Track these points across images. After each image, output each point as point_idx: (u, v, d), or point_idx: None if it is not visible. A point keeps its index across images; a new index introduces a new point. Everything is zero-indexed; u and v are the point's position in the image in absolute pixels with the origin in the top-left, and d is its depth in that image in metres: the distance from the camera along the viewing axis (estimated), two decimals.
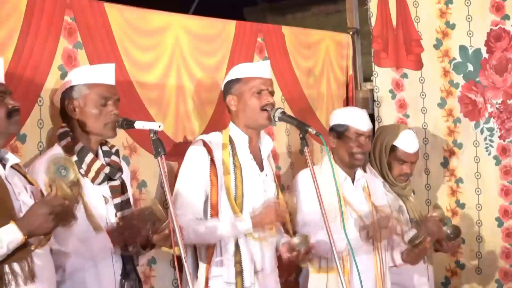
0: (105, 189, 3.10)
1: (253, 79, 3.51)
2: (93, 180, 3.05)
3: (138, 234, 2.98)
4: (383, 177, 4.25)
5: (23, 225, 2.49)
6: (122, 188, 3.15)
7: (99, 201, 3.06)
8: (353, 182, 3.93)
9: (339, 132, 3.91)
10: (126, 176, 3.24)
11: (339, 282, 3.68)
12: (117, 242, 2.99)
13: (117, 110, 3.09)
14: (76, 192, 2.66)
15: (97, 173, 3.04)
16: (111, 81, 3.13)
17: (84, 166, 3.03)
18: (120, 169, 3.15)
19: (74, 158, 3.02)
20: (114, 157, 3.16)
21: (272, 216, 3.39)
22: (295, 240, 3.40)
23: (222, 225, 3.36)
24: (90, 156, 3.04)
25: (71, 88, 3.08)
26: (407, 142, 4.25)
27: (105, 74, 3.12)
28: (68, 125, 3.10)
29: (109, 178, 3.10)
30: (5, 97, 2.68)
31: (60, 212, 2.53)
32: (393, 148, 4.24)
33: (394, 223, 3.73)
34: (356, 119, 3.93)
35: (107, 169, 3.07)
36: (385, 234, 3.75)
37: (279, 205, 3.43)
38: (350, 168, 3.92)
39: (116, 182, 3.13)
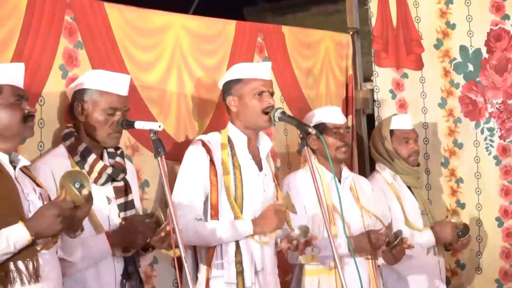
0: (108, 189, 3.10)
1: (253, 81, 3.50)
2: (95, 181, 3.05)
3: (138, 239, 2.99)
4: (396, 167, 4.30)
5: (31, 226, 2.50)
6: (126, 189, 3.16)
7: (102, 202, 3.05)
8: (339, 181, 3.93)
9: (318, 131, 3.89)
10: (131, 177, 3.24)
11: (330, 283, 3.75)
12: (115, 244, 2.99)
13: None
14: (88, 205, 2.65)
15: (100, 174, 3.05)
16: (124, 92, 3.14)
17: (87, 166, 3.04)
18: (123, 170, 3.15)
19: (77, 158, 3.03)
20: (118, 159, 3.16)
21: (274, 221, 3.40)
22: (296, 231, 3.41)
23: (223, 228, 3.36)
24: (92, 157, 3.05)
25: (84, 90, 3.10)
26: (401, 122, 4.41)
27: (119, 84, 3.13)
28: (74, 124, 3.12)
29: (112, 179, 3.10)
30: (22, 101, 2.71)
31: (68, 215, 2.55)
32: (392, 133, 4.37)
33: (382, 239, 3.78)
34: (329, 114, 4.00)
35: (109, 170, 3.07)
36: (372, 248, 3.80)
37: (280, 209, 3.43)
38: (335, 164, 3.91)
39: (120, 183, 3.14)
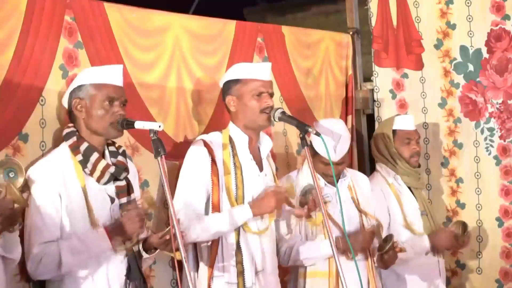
0: (111, 188, 3.10)
1: (253, 81, 3.50)
2: (98, 180, 3.05)
3: (136, 226, 2.97)
4: (397, 168, 4.29)
5: None
6: (128, 188, 3.16)
7: (104, 201, 3.06)
8: (337, 181, 3.89)
9: (313, 151, 3.80)
10: (133, 176, 3.24)
11: (325, 285, 3.73)
12: (115, 239, 2.97)
13: (123, 111, 3.09)
14: (26, 196, 2.60)
15: (102, 173, 3.04)
16: (119, 82, 3.13)
17: (89, 165, 3.03)
18: (126, 169, 3.15)
19: (79, 157, 3.03)
20: (120, 158, 3.16)
21: (273, 202, 3.38)
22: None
23: (222, 217, 3.36)
24: (95, 156, 3.04)
25: (79, 87, 3.09)
26: (404, 122, 4.39)
27: (113, 74, 3.12)
28: (75, 124, 3.11)
29: (115, 178, 3.10)
30: None
31: (9, 215, 2.50)
32: (394, 133, 4.35)
33: (367, 237, 3.76)
34: (322, 148, 3.64)
35: (112, 169, 3.07)
36: (357, 248, 3.74)
37: (278, 190, 3.42)
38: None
39: (122, 182, 3.13)
